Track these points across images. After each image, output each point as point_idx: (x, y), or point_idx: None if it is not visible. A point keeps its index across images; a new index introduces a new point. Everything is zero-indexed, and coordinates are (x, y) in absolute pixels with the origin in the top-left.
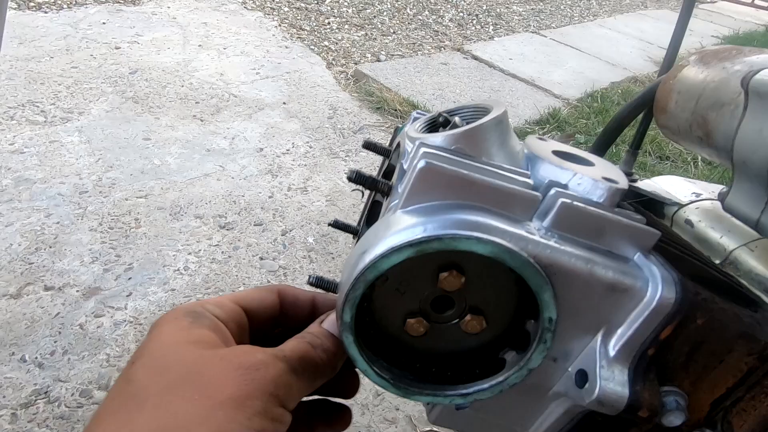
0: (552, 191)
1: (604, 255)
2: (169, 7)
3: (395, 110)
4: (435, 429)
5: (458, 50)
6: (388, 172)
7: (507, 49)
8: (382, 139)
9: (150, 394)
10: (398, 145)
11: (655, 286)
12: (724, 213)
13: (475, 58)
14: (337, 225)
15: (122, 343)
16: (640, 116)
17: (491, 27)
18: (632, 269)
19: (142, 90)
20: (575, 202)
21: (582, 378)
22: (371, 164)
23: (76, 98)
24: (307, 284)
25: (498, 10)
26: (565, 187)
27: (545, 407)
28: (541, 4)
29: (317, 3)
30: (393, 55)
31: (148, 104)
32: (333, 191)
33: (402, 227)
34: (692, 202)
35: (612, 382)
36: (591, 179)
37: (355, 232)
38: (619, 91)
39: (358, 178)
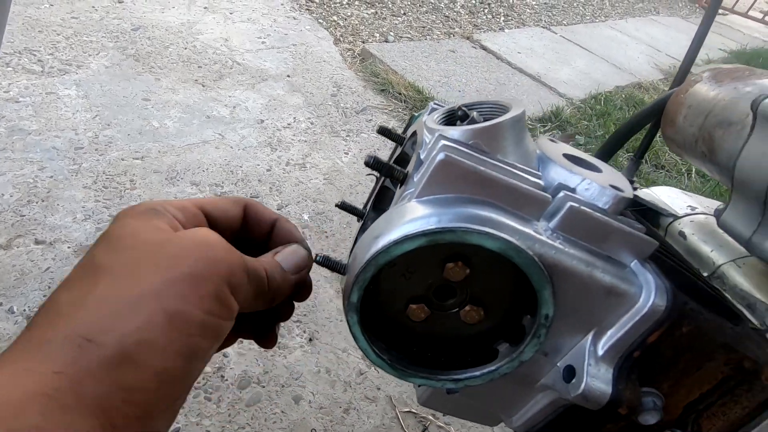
0: (561, 194)
1: (604, 259)
2: None
3: (400, 94)
4: (413, 410)
5: (467, 38)
6: (400, 160)
7: (516, 42)
8: (384, 121)
9: (109, 270)
10: (413, 133)
11: (648, 293)
12: (717, 228)
13: (484, 48)
14: (344, 206)
15: None
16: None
17: (502, 18)
18: (629, 275)
19: (144, 48)
20: (582, 207)
21: (570, 373)
22: (372, 146)
23: (75, 50)
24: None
25: (511, 1)
26: (573, 191)
27: (531, 397)
28: None
29: None
30: (401, 37)
31: (149, 64)
32: (331, 170)
33: (417, 216)
34: (687, 215)
35: (597, 380)
36: (599, 186)
37: (361, 215)
38: (623, 96)
39: (375, 164)
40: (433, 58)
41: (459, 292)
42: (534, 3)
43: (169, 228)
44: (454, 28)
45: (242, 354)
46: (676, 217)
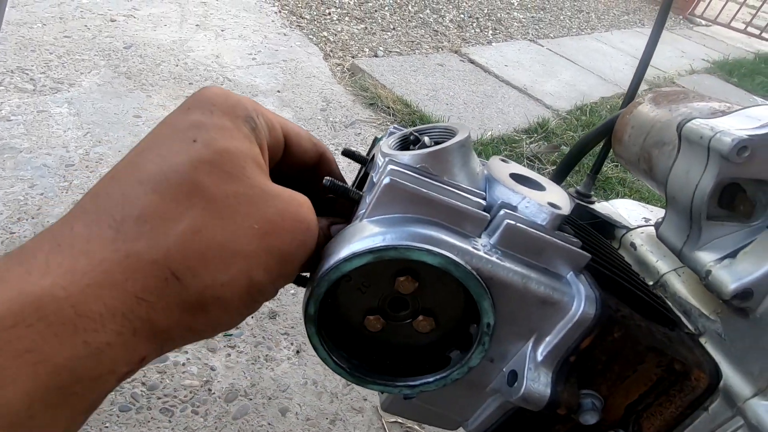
0: (501, 212)
1: (540, 272)
2: None
3: (388, 108)
4: (399, 420)
5: (455, 52)
6: (363, 180)
7: (504, 55)
8: (372, 135)
9: (208, 200)
10: (374, 156)
11: (579, 302)
12: None
13: (472, 61)
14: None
15: None
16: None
17: (490, 31)
18: (563, 286)
19: (136, 66)
20: (518, 224)
21: (513, 377)
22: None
23: (68, 69)
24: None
25: (499, 14)
26: (514, 209)
27: (483, 401)
28: (542, 12)
29: None
30: (391, 51)
31: (140, 81)
32: None
33: (365, 235)
34: (639, 226)
35: (537, 383)
36: (537, 204)
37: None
38: (608, 106)
39: (332, 187)
40: (421, 72)
41: (411, 304)
42: (522, 17)
43: (263, 165)
44: (442, 42)
45: (230, 367)
46: (629, 229)
